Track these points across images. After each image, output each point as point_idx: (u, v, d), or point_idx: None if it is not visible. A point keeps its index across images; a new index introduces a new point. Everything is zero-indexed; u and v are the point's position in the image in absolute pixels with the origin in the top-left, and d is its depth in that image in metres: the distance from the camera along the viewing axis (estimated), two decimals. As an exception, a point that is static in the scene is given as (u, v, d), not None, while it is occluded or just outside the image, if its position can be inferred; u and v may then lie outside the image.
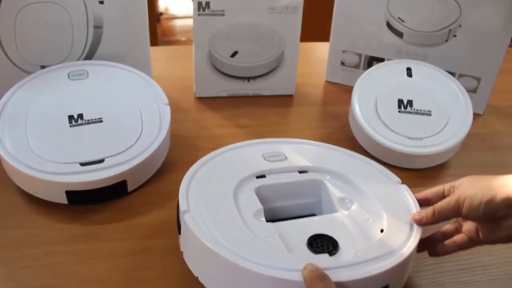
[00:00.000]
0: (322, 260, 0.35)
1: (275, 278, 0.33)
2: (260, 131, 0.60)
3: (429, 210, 0.38)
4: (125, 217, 0.46)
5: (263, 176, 0.43)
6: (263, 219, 0.39)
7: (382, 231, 0.38)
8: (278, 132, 0.60)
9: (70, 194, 0.44)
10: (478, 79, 0.62)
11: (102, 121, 0.48)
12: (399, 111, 0.55)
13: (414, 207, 0.41)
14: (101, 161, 0.45)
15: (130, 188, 0.47)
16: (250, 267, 0.34)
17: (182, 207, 0.38)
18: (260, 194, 0.42)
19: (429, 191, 0.41)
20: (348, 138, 0.58)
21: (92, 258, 0.41)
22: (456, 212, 0.37)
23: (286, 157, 0.45)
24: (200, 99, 0.65)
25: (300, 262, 0.34)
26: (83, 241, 0.43)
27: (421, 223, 0.38)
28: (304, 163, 0.45)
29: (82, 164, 0.45)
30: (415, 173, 0.54)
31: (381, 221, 0.39)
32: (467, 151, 0.57)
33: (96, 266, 0.41)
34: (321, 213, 0.44)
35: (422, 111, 0.55)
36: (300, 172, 0.45)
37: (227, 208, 0.39)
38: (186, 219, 0.37)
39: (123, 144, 0.47)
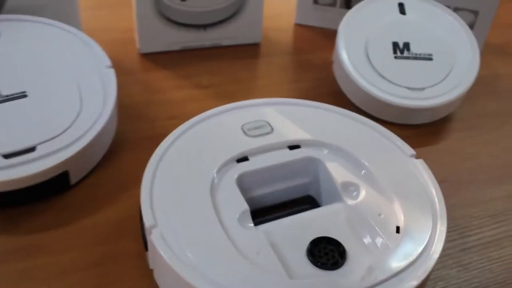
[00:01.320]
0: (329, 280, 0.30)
1: None
2: (226, 91, 0.53)
3: None
4: (72, 218, 0.38)
5: (245, 159, 0.37)
6: (251, 224, 0.33)
7: (398, 229, 0.33)
8: (247, 90, 0.53)
9: (-6, 197, 0.36)
10: (476, 13, 0.57)
11: (26, 96, 0.40)
12: (395, 57, 0.49)
13: (434, 191, 0.35)
14: (32, 149, 0.37)
15: (73, 180, 0.39)
16: None
17: (147, 221, 0.31)
18: (242, 183, 0.35)
19: None
20: (333, 92, 0.52)
21: (36, 278, 0.34)
22: None
23: (272, 129, 0.39)
24: (146, 55, 0.56)
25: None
26: (20, 258, 0.35)
27: None
28: (294, 135, 0.39)
29: (6, 156, 0.36)
30: (415, 129, 0.49)
31: (395, 216, 0.34)
32: (469, 99, 0.53)
33: (42, 291, 0.33)
34: (319, 195, 0.38)
35: (422, 55, 0.49)
36: (291, 148, 0.38)
37: (204, 216, 0.32)
38: (154, 239, 0.30)
39: (58, 125, 0.39)
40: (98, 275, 0.34)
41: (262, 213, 0.36)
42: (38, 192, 0.37)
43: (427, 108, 0.47)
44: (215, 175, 0.35)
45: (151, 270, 0.34)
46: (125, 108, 0.48)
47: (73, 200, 0.39)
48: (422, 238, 0.32)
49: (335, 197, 0.36)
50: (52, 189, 0.38)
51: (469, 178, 0.45)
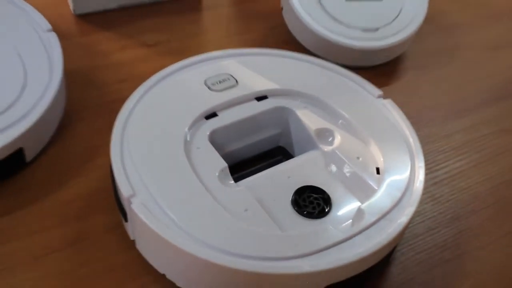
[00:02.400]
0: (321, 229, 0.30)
1: (282, 274, 0.27)
2: (174, 48, 0.50)
3: None
4: (34, 197, 0.36)
5: (214, 115, 0.36)
6: (231, 181, 0.32)
7: (378, 170, 0.33)
8: (196, 45, 0.51)
9: None
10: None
11: (-38, 70, 0.36)
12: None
13: (406, 129, 0.36)
14: (-21, 128, 0.34)
15: (28, 157, 0.37)
16: (246, 267, 0.27)
17: (125, 191, 0.30)
18: (214, 140, 0.34)
19: None
20: (286, 41, 0.51)
21: (6, 267, 0.32)
22: None
23: (236, 81, 0.38)
24: (82, 17, 0.53)
25: (297, 240, 0.28)
26: (-17, 246, 0.32)
27: None
28: (260, 85, 0.38)
29: (-49, 138, 0.33)
30: (371, 71, 0.50)
31: (373, 157, 0.34)
32: (418, 37, 0.53)
33: (15, 279, 0.31)
34: (290, 145, 0.38)
35: (372, -4, 0.49)
36: (258, 99, 0.37)
37: (183, 177, 0.31)
38: (136, 208, 0.29)
39: (3, 99, 0.35)
40: (74, 254, 0.33)
41: (236, 169, 0.36)
42: (-8, 174, 0.34)
43: (382, 48, 0.47)
44: (187, 134, 0.34)
45: (132, 241, 0.32)
46: (69, 75, 0.44)
47: (32, 179, 0.37)
48: (403, 177, 0.33)
49: (310, 145, 0.36)
50: (7, 169, 0.35)
51: (428, 115, 0.46)
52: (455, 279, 0.34)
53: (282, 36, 0.52)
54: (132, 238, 0.32)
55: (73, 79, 0.45)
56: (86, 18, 0.52)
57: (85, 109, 0.43)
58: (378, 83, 0.48)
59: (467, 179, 0.41)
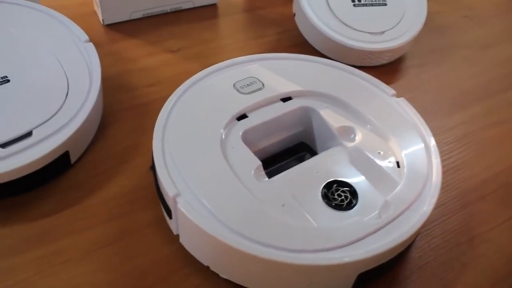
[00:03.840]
0: (354, 222, 0.28)
1: (320, 266, 0.26)
2: (196, 52, 0.49)
3: None
4: (79, 197, 0.34)
5: (244, 116, 0.34)
6: (266, 178, 0.31)
7: (398, 164, 0.32)
8: (216, 49, 0.50)
9: (-3, 188, 0.31)
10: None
11: (9, 81, 0.34)
12: (353, 5, 0.47)
13: (420, 125, 0.35)
14: (28, 134, 0.32)
15: (73, 159, 0.35)
16: (287, 260, 0.26)
17: (170, 191, 0.28)
18: (246, 140, 0.33)
19: None
20: (299, 44, 0.50)
21: (60, 262, 0.30)
22: None
23: (263, 84, 0.36)
24: (110, 26, 0.51)
25: (331, 232, 0.27)
26: (37, 245, 0.31)
27: None
28: (285, 88, 0.36)
29: (3, 145, 0.31)
30: (377, 70, 0.48)
31: (393, 152, 0.33)
32: (417, 37, 0.52)
33: (70, 273, 0.30)
34: (312, 141, 0.36)
35: (377, 2, 0.48)
36: (283, 100, 0.36)
37: (223, 176, 0.30)
38: (182, 207, 0.27)
39: (50, 106, 0.34)
40: (120, 249, 0.31)
41: (264, 164, 0.34)
42: (41, 177, 0.33)
43: (389, 50, 0.46)
44: (222, 135, 0.32)
45: (174, 236, 0.31)
46: (103, 81, 0.43)
47: (76, 180, 0.35)
48: (422, 169, 0.32)
49: (333, 142, 0.34)
50: (54, 171, 0.34)
51: (432, 108, 0.45)
52: (468, 259, 0.33)
53: (293, 40, 0.50)
54: (176, 233, 0.31)
55: (106, 84, 0.43)
56: (114, 28, 0.50)
57: (119, 112, 0.41)
58: (385, 80, 0.47)
59: (471, 168, 0.39)
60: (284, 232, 0.27)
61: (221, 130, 0.32)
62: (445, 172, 0.39)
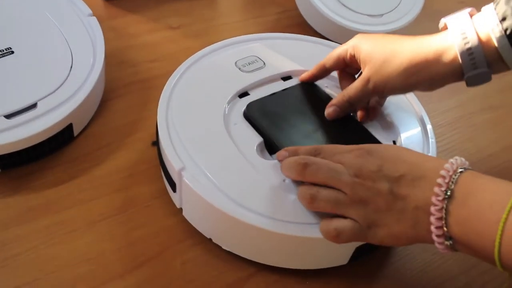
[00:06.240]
0: None
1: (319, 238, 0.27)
2: (197, 30, 0.49)
3: (341, 100, 0.32)
4: (83, 169, 0.35)
5: (245, 94, 0.35)
6: (267, 153, 0.31)
7: (394, 143, 0.33)
8: (216, 27, 0.50)
9: (1, 159, 0.31)
10: None
11: (13, 52, 0.34)
12: (354, -13, 0.47)
13: (416, 107, 0.36)
14: (33, 106, 0.32)
15: (76, 131, 0.36)
16: (294, 233, 0.27)
17: (176, 165, 0.29)
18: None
19: (329, 60, 0.34)
20: (298, 24, 0.50)
21: (66, 232, 0.31)
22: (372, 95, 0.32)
23: (264, 63, 0.37)
24: (111, 2, 0.50)
25: None
26: (43, 214, 0.32)
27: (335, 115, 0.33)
28: (285, 67, 0.37)
29: (8, 116, 0.32)
30: (374, 52, 0.48)
31: (392, 131, 0.34)
32: (415, 21, 0.52)
33: (76, 242, 0.30)
34: None
35: (377, -16, 0.48)
36: (284, 79, 0.36)
37: (226, 151, 0.30)
38: (188, 180, 0.28)
39: (55, 79, 0.34)
40: (125, 220, 0.32)
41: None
42: (44, 149, 0.33)
43: (387, 32, 0.46)
44: (224, 112, 0.33)
45: (177, 209, 0.32)
46: (105, 56, 0.43)
47: (79, 152, 0.36)
48: (416, 149, 0.33)
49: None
50: (58, 143, 0.34)
51: (426, 93, 0.46)
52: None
53: (293, 20, 0.51)
54: (179, 206, 0.31)
55: (108, 59, 0.43)
56: (114, 3, 0.50)
57: (121, 87, 0.41)
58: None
59: (464, 151, 0.40)
60: (287, 205, 0.28)
61: (225, 105, 0.33)
62: (438, 154, 0.40)
